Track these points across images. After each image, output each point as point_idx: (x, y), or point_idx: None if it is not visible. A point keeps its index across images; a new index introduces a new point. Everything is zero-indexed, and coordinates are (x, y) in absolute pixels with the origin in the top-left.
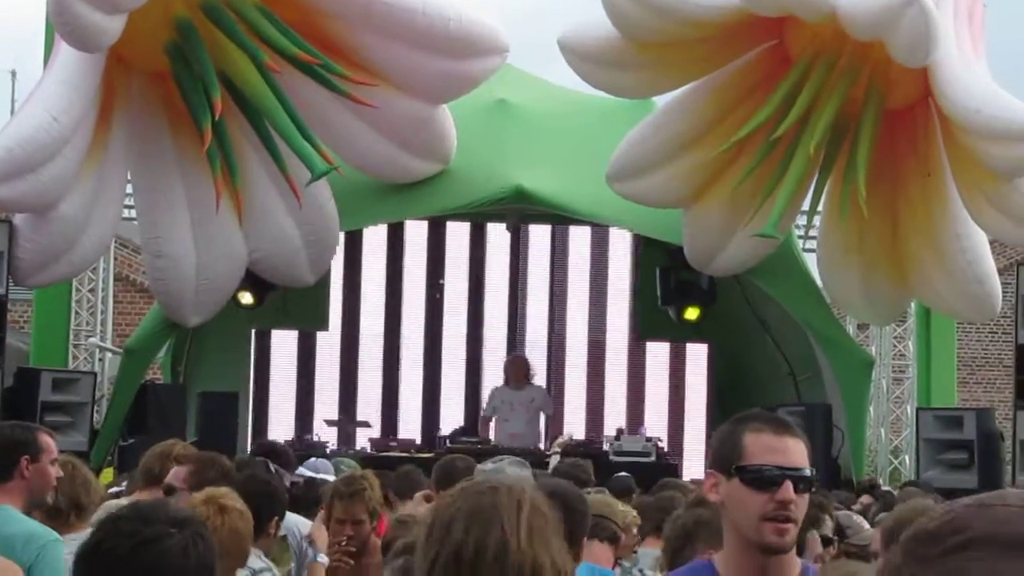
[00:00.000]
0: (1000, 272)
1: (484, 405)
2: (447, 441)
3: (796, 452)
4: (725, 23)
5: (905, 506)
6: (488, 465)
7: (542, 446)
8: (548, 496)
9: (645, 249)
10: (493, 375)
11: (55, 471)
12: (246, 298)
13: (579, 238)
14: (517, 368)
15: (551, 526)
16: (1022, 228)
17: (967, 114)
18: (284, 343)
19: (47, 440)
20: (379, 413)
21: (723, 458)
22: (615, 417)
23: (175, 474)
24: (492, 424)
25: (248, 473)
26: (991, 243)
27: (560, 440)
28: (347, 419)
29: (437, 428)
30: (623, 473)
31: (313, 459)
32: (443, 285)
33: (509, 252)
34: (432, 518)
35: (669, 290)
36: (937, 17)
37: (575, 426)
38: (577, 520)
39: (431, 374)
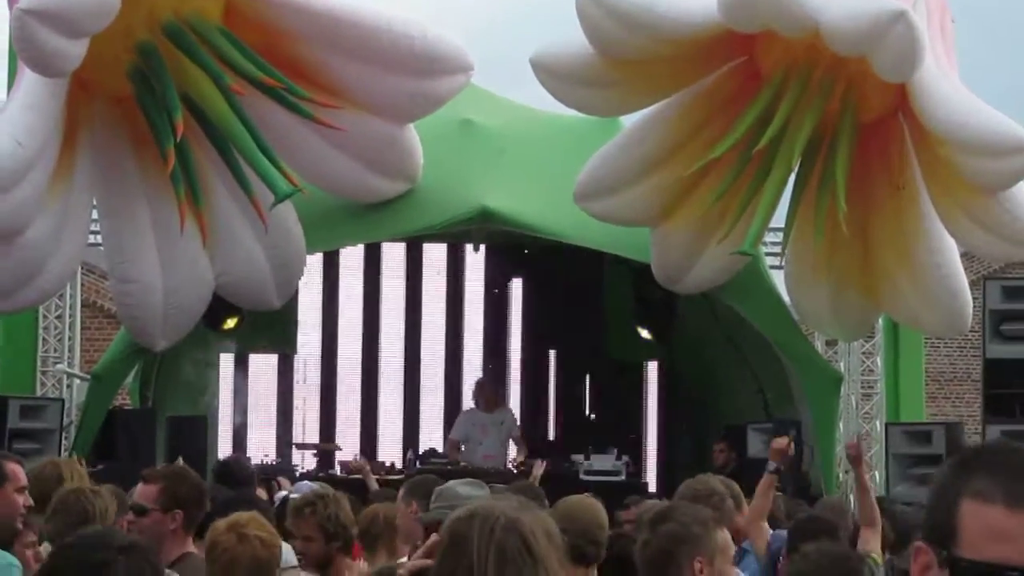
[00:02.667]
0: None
1: (453, 429)
2: (417, 462)
3: None
4: (699, 39)
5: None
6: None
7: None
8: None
9: (612, 268)
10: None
11: (23, 499)
12: (229, 323)
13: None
14: (486, 391)
15: (531, 548)
16: (1003, 241)
17: (951, 128)
18: (260, 366)
19: (13, 468)
20: (358, 436)
21: (934, 529)
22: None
23: (143, 493)
24: (463, 448)
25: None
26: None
27: (535, 472)
28: (321, 442)
29: (417, 450)
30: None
31: (305, 482)
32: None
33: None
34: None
35: (642, 309)
36: (923, 33)
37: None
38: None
39: (411, 396)
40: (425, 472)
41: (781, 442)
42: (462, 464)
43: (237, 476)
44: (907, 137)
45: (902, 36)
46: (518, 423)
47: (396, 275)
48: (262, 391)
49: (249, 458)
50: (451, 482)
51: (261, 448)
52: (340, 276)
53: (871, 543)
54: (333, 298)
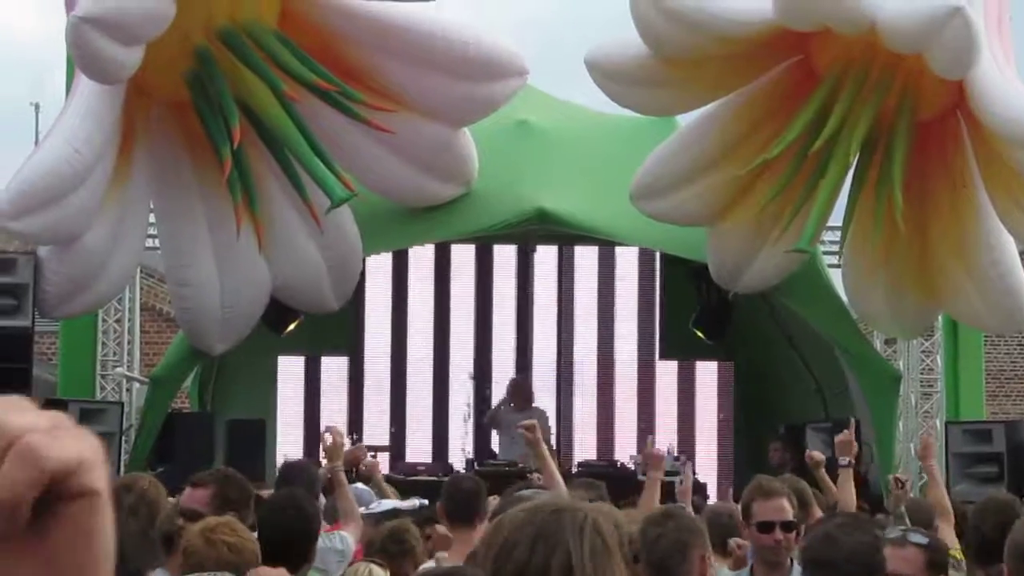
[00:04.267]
0: None
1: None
2: (474, 464)
3: None
4: (754, 38)
5: None
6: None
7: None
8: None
9: (668, 268)
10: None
11: None
12: (292, 326)
13: (585, 256)
14: (520, 391)
15: (611, 550)
16: None
17: (1009, 124)
18: (322, 369)
19: None
20: (388, 437)
21: None
22: (626, 437)
23: (194, 497)
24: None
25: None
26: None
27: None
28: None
29: (447, 453)
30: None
31: (358, 485)
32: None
33: (516, 272)
34: (493, 538)
35: (700, 309)
36: (980, 28)
37: (586, 446)
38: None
39: (440, 398)
40: (481, 474)
41: (846, 436)
42: (520, 466)
43: (298, 479)
44: (965, 135)
45: (958, 32)
46: (550, 424)
47: (466, 276)
48: (324, 393)
49: (316, 462)
50: (524, 492)
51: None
52: (409, 278)
53: (948, 536)
54: (402, 301)
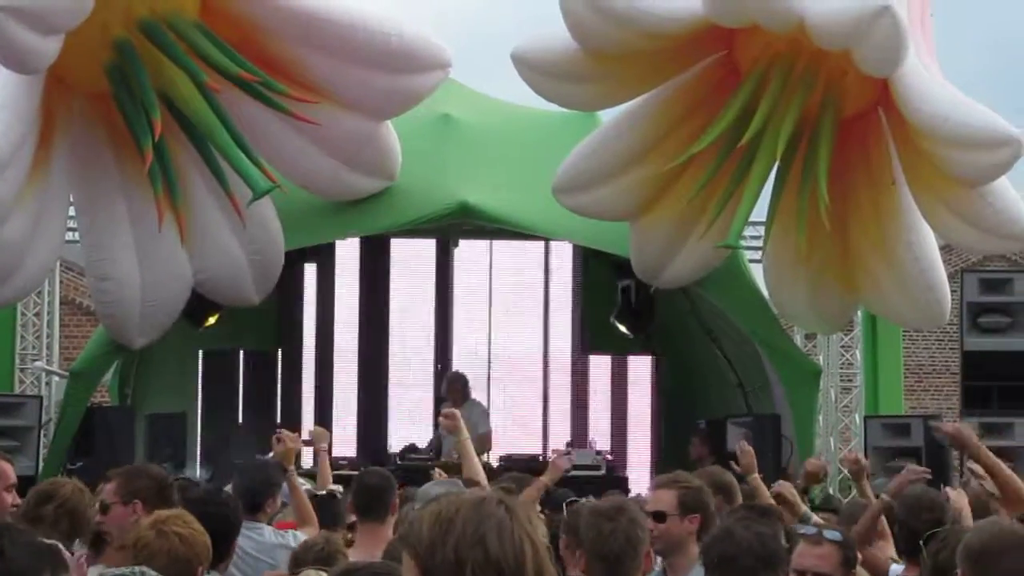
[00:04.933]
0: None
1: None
2: (397, 458)
3: None
4: (681, 34)
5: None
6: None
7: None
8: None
9: (590, 262)
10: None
11: (11, 498)
12: (211, 320)
13: (520, 251)
14: (454, 386)
15: (532, 538)
16: (986, 235)
17: (934, 122)
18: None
19: (2, 466)
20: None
21: None
22: (559, 431)
23: (107, 491)
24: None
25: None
26: None
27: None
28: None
29: (382, 445)
30: (563, 489)
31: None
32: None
33: (434, 265)
34: (437, 531)
35: (621, 304)
36: (907, 27)
37: (517, 440)
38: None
39: (373, 390)
40: (404, 467)
41: (815, 464)
42: (444, 459)
43: (256, 477)
44: (886, 131)
45: (887, 30)
46: (488, 417)
47: (353, 272)
48: (238, 387)
49: (276, 463)
50: (426, 485)
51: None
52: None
53: (887, 551)
54: (325, 294)
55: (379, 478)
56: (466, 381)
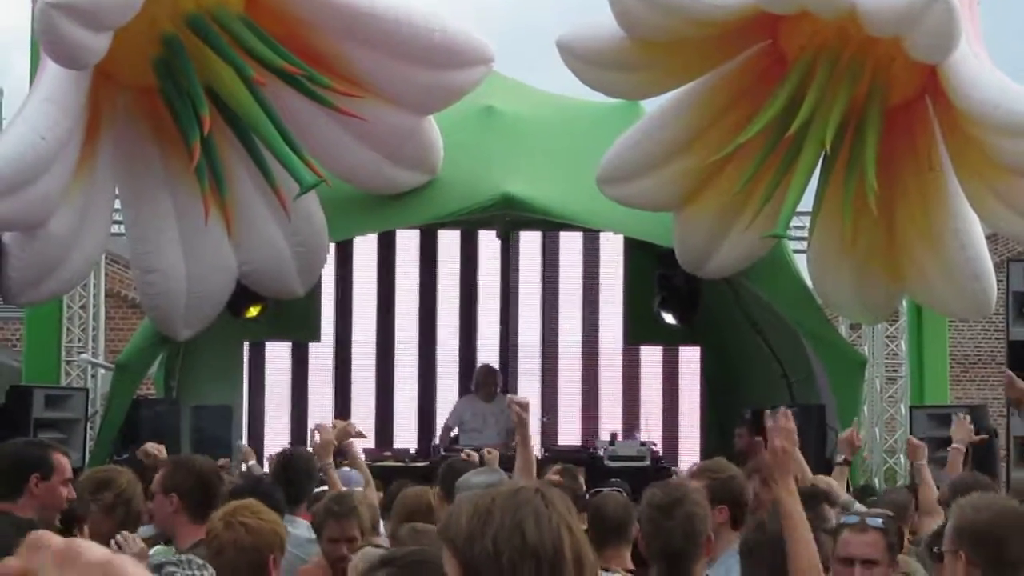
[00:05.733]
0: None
1: (448, 415)
2: (441, 450)
3: None
4: (728, 22)
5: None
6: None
7: None
8: None
9: (635, 253)
10: None
11: (67, 491)
12: (252, 312)
13: (569, 243)
14: (488, 379)
15: (572, 527)
16: None
17: (985, 109)
18: (278, 355)
19: (60, 459)
20: (373, 424)
21: None
22: (610, 422)
23: (155, 478)
24: (454, 434)
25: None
26: None
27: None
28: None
29: (432, 438)
30: (615, 480)
31: (345, 469)
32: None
33: (500, 259)
34: (475, 523)
35: (665, 294)
36: (960, 13)
37: (570, 432)
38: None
39: (426, 383)
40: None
41: (849, 434)
42: (484, 451)
43: (298, 469)
44: (933, 119)
45: (941, 16)
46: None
47: (411, 263)
48: (284, 379)
49: (310, 451)
50: (466, 475)
51: (279, 437)
52: (354, 265)
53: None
54: (347, 286)
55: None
56: (498, 375)
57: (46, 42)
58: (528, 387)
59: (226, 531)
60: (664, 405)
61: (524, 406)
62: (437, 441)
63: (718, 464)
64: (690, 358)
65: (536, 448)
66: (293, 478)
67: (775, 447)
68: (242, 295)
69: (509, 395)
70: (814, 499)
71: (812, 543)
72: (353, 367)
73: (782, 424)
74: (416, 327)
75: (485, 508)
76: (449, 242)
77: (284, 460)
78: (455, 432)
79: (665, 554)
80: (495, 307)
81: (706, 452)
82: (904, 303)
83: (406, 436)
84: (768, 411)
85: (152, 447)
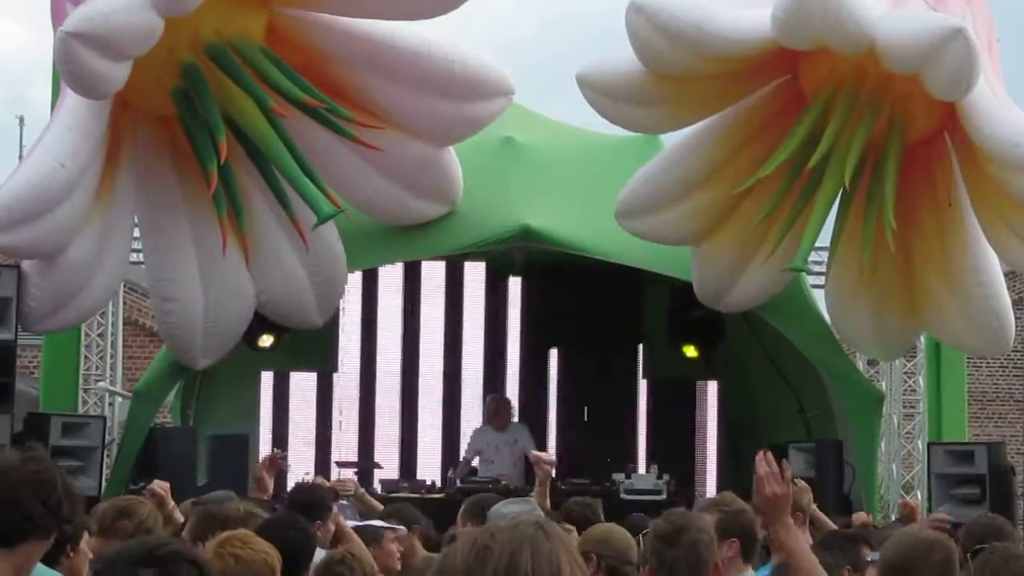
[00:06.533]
0: (1011, 306)
1: (465, 447)
2: (457, 481)
3: None
4: (748, 57)
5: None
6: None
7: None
8: None
9: (653, 287)
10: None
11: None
12: (266, 341)
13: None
14: (500, 409)
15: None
16: None
17: (1004, 148)
18: (301, 385)
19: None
20: (398, 454)
21: None
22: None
23: (188, 523)
24: (473, 465)
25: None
26: None
27: None
28: (363, 461)
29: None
30: (637, 514)
31: (342, 502)
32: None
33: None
34: (473, 559)
35: (677, 328)
36: (979, 50)
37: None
38: None
39: (449, 415)
40: (463, 491)
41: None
42: (503, 483)
43: (313, 503)
44: (952, 155)
45: (960, 53)
46: (533, 442)
47: (436, 294)
48: (302, 409)
49: (323, 484)
50: (497, 504)
51: (300, 467)
52: (379, 295)
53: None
54: (371, 316)
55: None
56: (510, 404)
57: (66, 71)
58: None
59: (215, 560)
60: (680, 440)
61: (551, 463)
62: (452, 473)
63: (728, 498)
64: (705, 393)
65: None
66: (301, 510)
67: (768, 495)
68: (255, 324)
69: (535, 452)
70: (852, 541)
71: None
72: (377, 397)
73: (771, 470)
74: (441, 358)
75: (484, 544)
76: (474, 275)
77: (293, 491)
78: (475, 463)
79: None
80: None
81: (721, 487)
82: (922, 339)
83: (432, 467)
84: (758, 456)
85: (159, 487)
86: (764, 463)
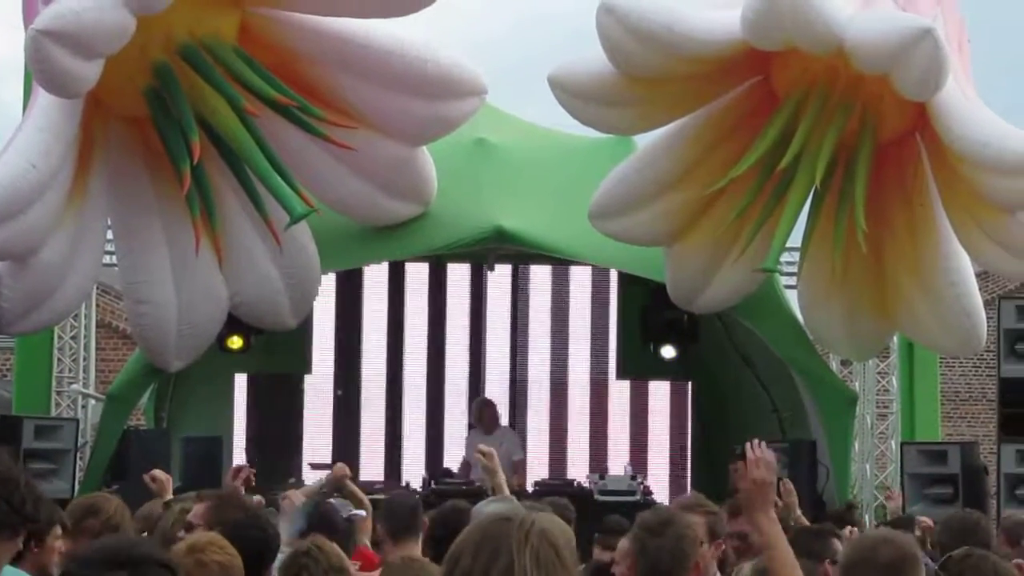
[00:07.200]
0: (983, 306)
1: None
2: (431, 483)
3: None
4: (719, 58)
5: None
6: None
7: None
8: None
9: (627, 287)
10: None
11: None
12: (235, 342)
13: (540, 275)
14: (485, 412)
15: (562, 558)
16: (1021, 260)
17: (975, 147)
18: (274, 387)
19: None
20: (383, 456)
21: None
22: (579, 457)
23: (195, 511)
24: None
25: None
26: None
27: None
28: (335, 463)
29: (440, 469)
30: (614, 516)
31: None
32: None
33: (470, 291)
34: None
35: (651, 328)
36: (948, 51)
37: (538, 466)
38: None
39: (434, 415)
40: (439, 493)
41: None
42: (477, 484)
43: (334, 525)
44: (923, 156)
45: (928, 54)
46: (521, 445)
47: (419, 294)
48: (276, 411)
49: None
50: (479, 503)
51: (275, 468)
52: (364, 295)
53: None
54: (355, 317)
55: (409, 498)
56: (496, 407)
57: (37, 69)
58: (536, 420)
59: (198, 568)
60: (631, 440)
61: (488, 455)
62: (427, 477)
63: (702, 499)
64: (660, 392)
65: (528, 483)
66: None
67: (756, 478)
68: (224, 325)
69: (479, 445)
70: (820, 536)
71: (797, 569)
72: (362, 399)
73: (760, 455)
74: (424, 358)
75: (455, 554)
76: (458, 274)
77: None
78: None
79: (653, 574)
80: (504, 339)
81: (695, 487)
82: (895, 339)
83: (415, 467)
84: (748, 443)
85: (161, 473)
86: (756, 448)
